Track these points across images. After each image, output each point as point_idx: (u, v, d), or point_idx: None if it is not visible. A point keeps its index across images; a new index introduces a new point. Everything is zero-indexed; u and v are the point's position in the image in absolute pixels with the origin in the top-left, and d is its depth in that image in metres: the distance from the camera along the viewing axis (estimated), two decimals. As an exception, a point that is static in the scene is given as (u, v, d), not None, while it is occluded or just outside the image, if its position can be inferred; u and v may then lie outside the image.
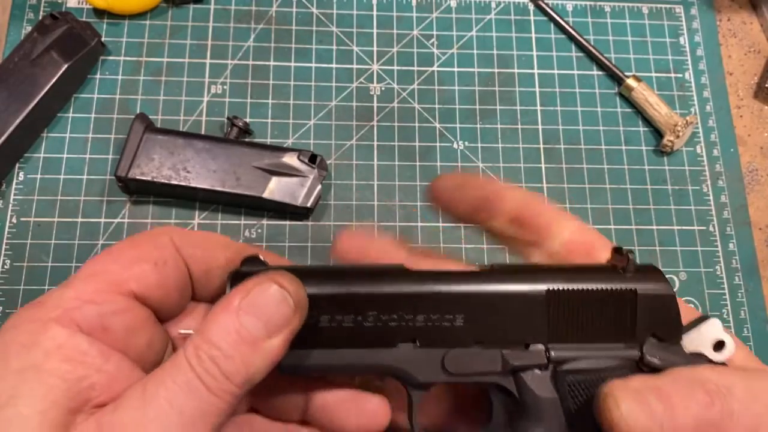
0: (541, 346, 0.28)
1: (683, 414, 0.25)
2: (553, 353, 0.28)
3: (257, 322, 0.24)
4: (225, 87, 0.54)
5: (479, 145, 0.54)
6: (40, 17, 0.53)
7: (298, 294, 0.25)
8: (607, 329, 0.28)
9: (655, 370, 0.28)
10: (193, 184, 0.48)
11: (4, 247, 0.48)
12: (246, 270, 0.27)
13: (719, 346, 0.28)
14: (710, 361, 0.28)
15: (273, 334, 0.24)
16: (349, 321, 0.28)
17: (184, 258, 0.28)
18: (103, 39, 0.53)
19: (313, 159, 0.49)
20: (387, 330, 0.28)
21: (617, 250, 0.29)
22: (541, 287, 0.28)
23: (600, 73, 0.57)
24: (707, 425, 0.25)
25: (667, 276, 0.30)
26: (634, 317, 0.28)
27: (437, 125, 0.54)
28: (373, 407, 0.29)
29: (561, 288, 0.28)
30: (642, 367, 0.28)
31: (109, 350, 0.24)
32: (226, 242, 0.29)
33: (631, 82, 0.55)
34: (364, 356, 0.28)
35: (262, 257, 0.28)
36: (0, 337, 0.23)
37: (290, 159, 0.49)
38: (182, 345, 0.24)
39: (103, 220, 0.50)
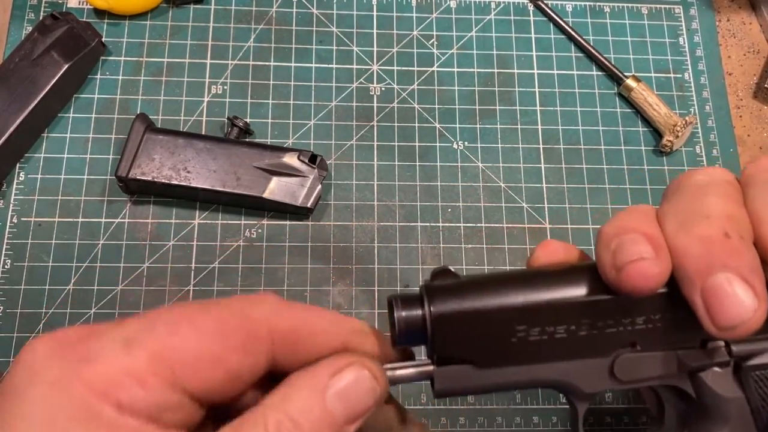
0: (720, 343, 0.26)
1: None
2: (734, 348, 0.26)
3: (343, 409, 0.22)
4: (225, 87, 0.54)
5: (479, 145, 0.54)
6: (41, 17, 0.53)
7: (383, 384, 0.24)
8: None
9: None
10: (193, 184, 0.48)
11: (4, 246, 0.49)
12: (440, 284, 0.25)
13: None
14: None
15: (352, 423, 0.23)
16: (561, 332, 0.25)
17: (275, 355, 0.24)
18: (103, 39, 0.53)
19: (313, 159, 0.49)
20: (602, 337, 0.25)
21: None
22: None
23: (599, 73, 0.57)
24: None
25: None
26: None
27: (437, 125, 0.54)
28: None
29: None
30: None
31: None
32: (335, 329, 0.25)
33: (630, 82, 0.55)
34: (527, 372, 0.26)
35: (452, 269, 0.26)
36: (35, 394, 0.19)
37: (290, 159, 0.49)
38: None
39: (103, 220, 0.50)
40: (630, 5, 0.59)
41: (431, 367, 0.25)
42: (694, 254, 0.23)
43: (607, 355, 0.26)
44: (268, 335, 0.23)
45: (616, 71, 0.56)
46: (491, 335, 0.25)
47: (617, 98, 0.56)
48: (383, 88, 0.55)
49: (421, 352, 0.26)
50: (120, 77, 0.53)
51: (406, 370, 0.25)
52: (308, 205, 0.49)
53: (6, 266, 0.48)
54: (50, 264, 0.48)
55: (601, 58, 0.56)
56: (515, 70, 0.56)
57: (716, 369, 0.26)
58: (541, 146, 0.54)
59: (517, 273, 0.26)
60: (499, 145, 0.54)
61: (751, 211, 0.24)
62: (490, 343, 0.25)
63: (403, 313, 0.25)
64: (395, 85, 0.55)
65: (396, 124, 0.54)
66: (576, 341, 0.25)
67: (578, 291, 0.25)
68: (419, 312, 0.25)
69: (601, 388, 0.26)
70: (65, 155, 0.51)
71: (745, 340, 0.25)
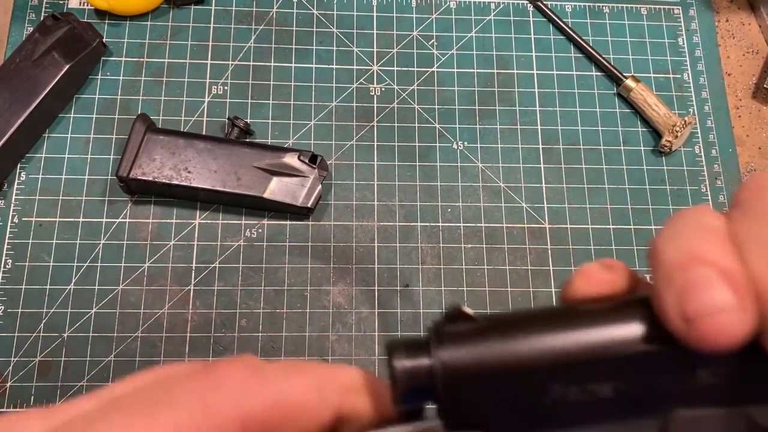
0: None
1: None
2: None
3: None
4: (226, 87, 0.54)
5: (479, 145, 0.54)
6: (42, 18, 0.53)
7: None
8: None
9: None
10: (194, 184, 0.48)
11: (5, 246, 0.49)
12: (453, 330, 0.19)
13: None
14: None
15: None
16: (608, 391, 0.19)
17: None
18: (104, 40, 0.53)
19: (313, 159, 0.49)
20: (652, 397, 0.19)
21: None
22: None
23: (599, 73, 0.57)
24: None
25: None
26: None
27: (437, 125, 0.54)
28: None
29: None
30: None
31: None
32: (321, 397, 0.19)
33: (629, 82, 0.55)
34: None
35: (469, 311, 0.20)
36: None
37: (291, 159, 0.49)
38: None
39: (104, 220, 0.50)
40: (629, 6, 0.59)
41: None
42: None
43: (657, 417, 0.20)
44: (239, 424, 0.18)
45: (616, 72, 0.56)
46: (519, 394, 0.19)
47: (616, 98, 0.56)
48: (383, 89, 0.55)
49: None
50: (121, 77, 0.54)
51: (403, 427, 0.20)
52: (308, 205, 0.49)
53: (7, 266, 0.48)
54: (51, 264, 0.48)
55: (601, 59, 0.56)
56: (515, 71, 0.57)
57: None
58: (540, 146, 0.54)
59: (551, 313, 0.21)
60: (499, 146, 0.54)
61: (741, 249, 0.18)
62: (517, 405, 0.19)
63: (407, 364, 0.19)
64: (395, 86, 0.55)
65: (396, 125, 0.54)
66: (624, 401, 0.19)
67: (631, 338, 0.19)
68: (426, 362, 0.19)
69: None
70: (66, 155, 0.51)
71: None
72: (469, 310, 0.20)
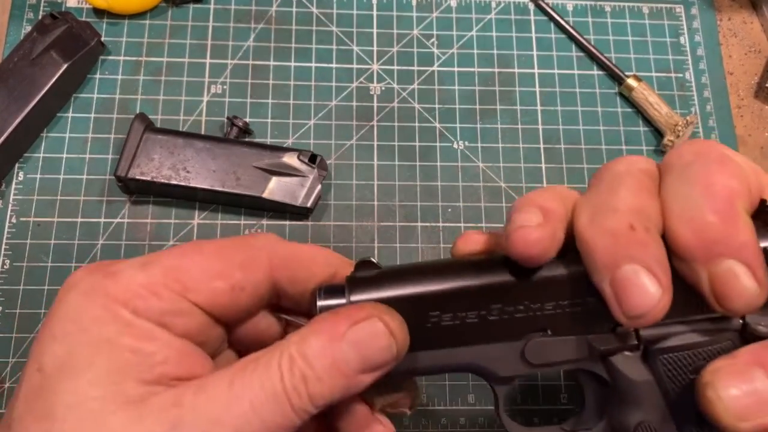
0: (630, 328, 0.26)
1: None
2: (642, 333, 0.26)
3: (356, 357, 0.24)
4: (225, 87, 0.54)
5: (479, 145, 0.54)
6: (40, 17, 0.53)
7: (402, 341, 0.25)
8: (700, 301, 0.24)
9: (761, 338, 0.25)
10: (192, 184, 0.48)
11: (3, 246, 0.48)
12: (361, 275, 0.27)
13: None
14: None
15: (366, 373, 0.24)
16: (473, 317, 0.26)
17: (276, 279, 0.28)
18: (102, 39, 0.53)
19: (313, 159, 0.49)
20: (515, 322, 0.26)
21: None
22: None
23: (600, 72, 0.57)
24: None
25: None
26: None
27: (437, 125, 0.54)
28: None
29: None
30: (746, 336, 0.25)
31: (174, 337, 0.25)
32: (327, 260, 0.29)
33: (631, 81, 0.55)
34: (443, 356, 0.27)
35: (374, 260, 0.27)
36: (70, 299, 0.24)
37: (290, 159, 0.49)
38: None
39: (102, 220, 0.50)
40: (631, 4, 0.59)
41: None
42: (601, 247, 0.24)
43: (519, 340, 0.27)
44: (268, 258, 0.27)
45: (617, 71, 0.56)
46: (407, 321, 0.26)
47: (618, 98, 0.56)
48: (383, 88, 0.55)
49: None
50: (119, 77, 0.53)
51: None
52: (308, 205, 0.48)
53: (5, 266, 0.48)
54: (49, 264, 0.48)
55: (602, 58, 0.56)
56: (516, 70, 0.56)
57: (626, 353, 0.26)
58: (541, 146, 0.54)
59: (433, 263, 0.28)
60: (500, 145, 0.54)
61: (662, 200, 0.25)
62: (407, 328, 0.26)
63: (325, 303, 0.26)
64: (395, 85, 0.55)
65: (396, 124, 0.54)
66: (487, 326, 0.26)
67: (486, 277, 0.26)
68: (342, 301, 0.26)
69: (515, 372, 0.27)
70: (64, 155, 0.51)
71: (654, 325, 0.25)
72: (374, 260, 0.27)
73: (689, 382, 0.25)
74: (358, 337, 0.24)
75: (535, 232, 0.24)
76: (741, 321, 0.26)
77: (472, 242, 0.29)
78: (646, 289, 0.23)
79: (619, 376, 0.27)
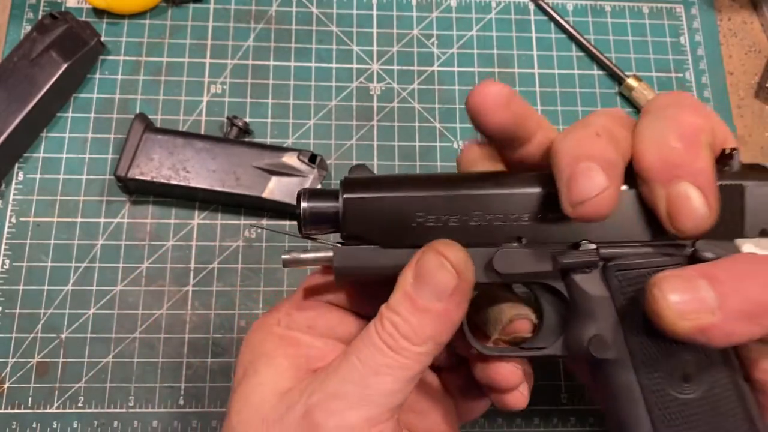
0: (592, 245, 0.28)
1: (738, 298, 0.24)
2: (603, 250, 0.28)
3: (425, 290, 0.27)
4: (224, 87, 0.54)
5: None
6: (40, 17, 0.53)
7: (458, 262, 0.27)
8: (659, 227, 0.27)
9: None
10: (192, 184, 0.48)
11: (3, 246, 0.48)
12: (354, 177, 0.30)
13: None
14: None
15: (442, 299, 0.27)
16: (455, 221, 0.29)
17: None
18: (102, 38, 0.53)
19: (313, 159, 0.49)
20: (489, 229, 0.29)
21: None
22: None
23: (600, 72, 0.57)
24: (766, 308, 0.24)
25: None
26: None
27: (437, 125, 0.54)
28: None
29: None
30: (695, 262, 0.27)
31: (318, 336, 0.32)
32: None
33: (631, 81, 0.54)
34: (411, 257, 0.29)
35: (367, 165, 0.31)
36: (251, 336, 0.33)
37: (290, 159, 0.49)
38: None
39: (102, 220, 0.50)
40: (631, 4, 0.59)
41: (332, 253, 0.30)
42: (565, 149, 0.27)
43: (494, 247, 0.29)
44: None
45: (617, 70, 0.55)
46: (393, 219, 0.29)
47: (618, 98, 0.56)
48: (383, 88, 0.55)
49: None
50: (119, 77, 0.53)
51: (307, 254, 0.30)
52: (308, 205, 0.48)
53: (5, 266, 0.48)
54: (49, 264, 0.48)
55: (602, 58, 0.56)
56: (516, 70, 0.56)
57: (586, 270, 0.28)
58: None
59: (423, 174, 0.31)
60: (500, 145, 0.54)
61: (635, 134, 0.28)
62: (392, 226, 0.29)
63: (308, 205, 0.29)
64: (395, 85, 0.55)
65: (396, 124, 0.54)
66: (467, 230, 0.29)
67: (469, 187, 0.29)
68: (331, 204, 0.29)
69: (482, 280, 0.29)
70: (64, 155, 0.51)
71: (612, 244, 0.28)
72: (366, 165, 0.30)
73: (639, 296, 0.27)
74: (419, 273, 0.27)
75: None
76: (692, 249, 0.28)
77: (474, 152, 0.33)
78: (593, 180, 0.25)
79: (577, 292, 0.28)
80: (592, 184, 0.25)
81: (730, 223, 0.28)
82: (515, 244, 0.29)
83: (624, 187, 0.27)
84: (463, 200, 0.29)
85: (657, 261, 0.28)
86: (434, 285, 0.27)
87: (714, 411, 0.27)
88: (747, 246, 0.28)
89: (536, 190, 0.28)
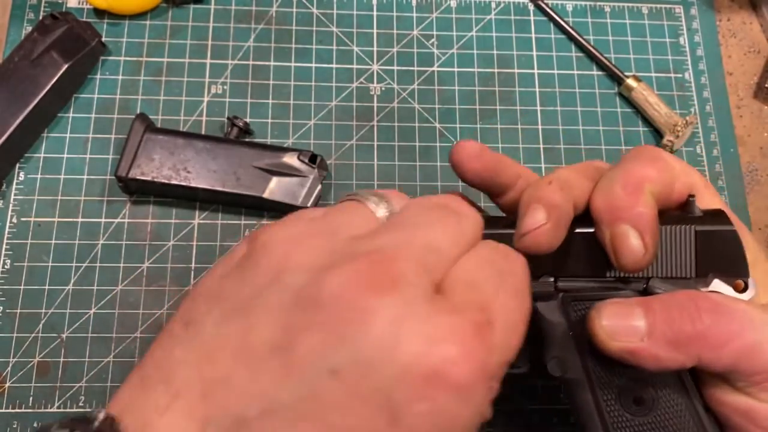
0: (550, 278, 0.32)
1: (665, 327, 0.28)
2: (560, 283, 0.31)
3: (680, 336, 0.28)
4: (225, 87, 0.54)
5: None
6: (41, 17, 0.53)
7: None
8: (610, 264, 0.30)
9: None
10: (193, 184, 0.48)
11: (4, 247, 0.48)
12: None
13: (741, 289, 0.30)
14: None
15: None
16: None
17: None
18: (103, 39, 0.53)
19: (313, 159, 0.49)
20: None
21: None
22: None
23: (600, 73, 0.57)
24: (690, 339, 0.27)
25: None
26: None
27: (437, 125, 0.54)
28: None
29: (579, 230, 0.31)
30: (646, 296, 0.30)
31: None
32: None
33: (630, 82, 0.55)
34: None
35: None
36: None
37: (290, 159, 0.49)
38: None
39: (103, 220, 0.50)
40: (630, 5, 0.59)
41: None
42: (524, 195, 0.30)
43: None
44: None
45: (617, 71, 0.56)
46: None
47: (617, 98, 0.56)
48: (383, 88, 0.55)
49: None
50: (120, 77, 0.53)
51: None
52: (308, 206, 0.48)
53: (6, 266, 0.48)
54: (50, 264, 0.48)
55: (602, 58, 0.56)
56: (515, 70, 0.56)
57: (547, 301, 0.32)
58: (541, 146, 0.54)
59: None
60: (500, 145, 0.54)
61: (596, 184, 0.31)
62: None
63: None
64: (395, 85, 0.55)
65: (396, 124, 0.54)
66: None
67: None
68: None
69: None
70: (65, 155, 0.51)
71: (570, 278, 0.31)
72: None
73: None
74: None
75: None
76: (644, 285, 0.31)
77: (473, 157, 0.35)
78: (534, 217, 0.29)
79: (541, 319, 0.32)
80: (533, 219, 0.29)
81: (684, 264, 0.31)
82: None
83: (590, 230, 0.31)
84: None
85: (609, 294, 0.31)
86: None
87: None
88: (716, 285, 0.30)
89: (504, 231, 0.31)
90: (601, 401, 0.30)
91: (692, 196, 0.31)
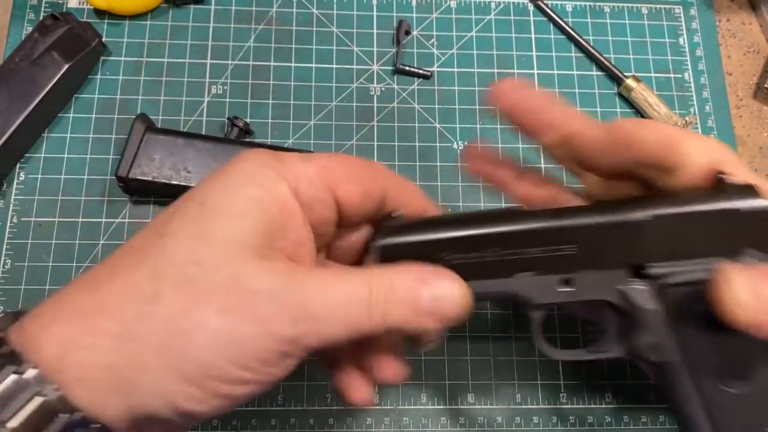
0: (655, 269, 0.32)
1: None
2: (653, 271, 0.32)
3: (430, 303, 0.29)
4: (225, 87, 0.54)
5: (479, 145, 0.54)
6: (41, 18, 0.53)
7: (468, 305, 0.30)
8: (707, 245, 0.31)
9: None
10: (193, 184, 0.48)
11: (5, 247, 0.49)
12: (390, 224, 0.33)
13: None
14: None
15: (431, 318, 0.29)
16: (475, 257, 0.32)
17: (385, 198, 0.33)
18: (103, 39, 0.53)
19: (313, 159, 0.49)
20: (506, 262, 0.32)
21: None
22: (646, 213, 0.31)
23: (599, 73, 0.57)
24: None
25: None
26: (733, 233, 0.31)
27: (437, 125, 0.54)
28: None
29: (663, 213, 0.31)
30: None
31: (307, 222, 0.30)
32: (421, 197, 0.36)
33: (630, 82, 0.55)
34: (490, 285, 0.32)
35: (395, 214, 0.33)
36: (245, 165, 0.29)
37: (290, 159, 0.49)
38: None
39: (103, 220, 0.50)
40: (630, 5, 0.59)
41: None
42: None
43: (507, 277, 0.33)
44: (384, 178, 0.33)
45: (616, 71, 0.56)
46: (424, 260, 0.31)
47: (617, 98, 0.56)
48: (383, 88, 0.55)
49: None
50: (120, 77, 0.53)
51: None
52: (308, 205, 0.48)
53: (6, 266, 0.48)
54: (50, 264, 0.48)
55: (601, 58, 0.56)
56: (515, 70, 0.56)
57: (640, 287, 0.32)
58: (541, 146, 0.54)
59: (451, 216, 0.36)
60: (500, 146, 0.54)
61: None
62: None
63: (379, 242, 0.33)
64: (395, 85, 0.55)
65: (396, 124, 0.54)
66: (484, 267, 0.32)
67: (488, 230, 0.33)
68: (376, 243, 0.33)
69: (552, 300, 0.33)
70: (65, 155, 0.51)
71: (664, 263, 0.32)
72: (394, 215, 0.33)
73: (688, 308, 0.31)
74: (439, 291, 0.29)
75: None
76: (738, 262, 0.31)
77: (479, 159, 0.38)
78: None
79: (635, 307, 0.32)
80: None
81: (720, 244, 0.31)
82: (529, 274, 0.33)
83: (672, 210, 0.31)
84: (481, 240, 0.32)
85: (705, 278, 0.30)
86: (440, 311, 0.29)
87: None
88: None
89: (597, 219, 0.32)
90: (700, 381, 0.32)
91: (722, 173, 0.31)
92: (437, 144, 0.54)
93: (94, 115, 0.52)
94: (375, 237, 0.33)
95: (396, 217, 0.33)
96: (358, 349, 0.33)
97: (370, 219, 0.34)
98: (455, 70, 0.56)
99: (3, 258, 0.48)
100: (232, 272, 0.27)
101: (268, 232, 0.28)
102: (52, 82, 0.49)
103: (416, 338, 0.34)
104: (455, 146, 0.54)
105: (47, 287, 0.48)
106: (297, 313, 0.27)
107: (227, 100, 0.53)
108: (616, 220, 0.32)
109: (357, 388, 0.33)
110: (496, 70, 0.56)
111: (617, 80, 0.56)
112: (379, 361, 0.33)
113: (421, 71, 0.55)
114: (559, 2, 0.59)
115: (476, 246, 0.32)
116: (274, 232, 0.28)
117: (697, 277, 0.31)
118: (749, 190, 0.31)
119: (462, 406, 0.47)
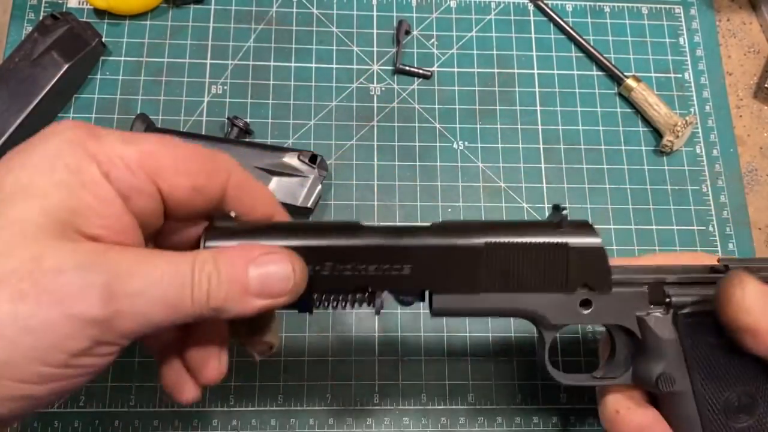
0: (663, 296, 0.33)
1: None
2: (674, 299, 0.33)
3: (258, 281, 0.27)
4: (225, 87, 0.54)
5: (479, 145, 0.54)
6: (41, 17, 0.53)
7: (300, 287, 0.29)
8: (539, 277, 0.32)
9: None
10: (193, 184, 0.48)
11: (4, 247, 0.48)
12: (220, 225, 0.31)
13: None
14: None
15: (261, 298, 0.27)
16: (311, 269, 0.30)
17: (229, 193, 0.31)
18: (103, 39, 0.53)
19: (313, 159, 0.49)
20: (344, 277, 0.31)
21: (555, 207, 0.32)
22: (479, 240, 0.31)
23: (600, 73, 0.57)
24: None
25: None
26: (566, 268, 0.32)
27: (437, 125, 0.54)
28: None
29: (496, 241, 0.31)
30: None
31: (127, 210, 0.27)
32: (272, 201, 0.34)
33: (630, 82, 0.55)
34: (509, 300, 0.32)
35: (233, 214, 0.31)
36: (52, 141, 0.26)
37: (290, 159, 0.49)
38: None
39: (103, 220, 0.50)
40: (630, 5, 0.59)
41: None
42: None
43: (369, 293, 0.32)
44: (227, 176, 0.30)
45: (617, 71, 0.56)
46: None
47: (617, 98, 0.56)
48: (383, 88, 0.55)
49: None
50: (120, 77, 0.53)
51: None
52: (308, 205, 0.49)
53: (6, 266, 0.48)
54: (50, 264, 0.48)
55: (602, 58, 0.56)
56: (515, 70, 0.56)
57: (658, 315, 0.33)
58: (541, 146, 0.54)
59: (285, 223, 0.33)
60: (500, 145, 0.54)
61: None
62: None
63: (212, 244, 0.30)
64: (395, 85, 0.55)
65: (396, 124, 0.54)
66: (341, 283, 0.32)
67: (344, 242, 0.31)
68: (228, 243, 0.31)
69: (567, 322, 0.33)
70: (65, 155, 0.51)
71: (682, 292, 0.33)
72: (233, 214, 0.31)
73: (702, 340, 0.32)
74: (267, 268, 0.27)
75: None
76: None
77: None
78: None
79: (650, 334, 0.33)
80: None
81: (554, 278, 0.32)
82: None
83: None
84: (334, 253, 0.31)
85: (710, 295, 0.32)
86: (267, 287, 0.27)
87: None
88: None
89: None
90: (705, 412, 0.32)
91: (560, 207, 0.32)
92: (437, 144, 0.54)
93: (94, 115, 0.52)
94: (203, 238, 0.30)
95: (234, 218, 0.31)
96: (185, 344, 0.31)
97: (207, 215, 0.31)
98: (455, 70, 0.56)
99: (3, 258, 0.48)
100: (31, 254, 0.24)
101: (74, 216, 0.25)
102: (52, 82, 0.49)
103: (248, 341, 0.33)
104: (455, 146, 0.54)
105: (47, 287, 0.48)
106: (108, 291, 0.24)
107: (227, 100, 0.53)
108: (450, 244, 0.31)
109: (182, 387, 0.30)
110: (496, 70, 0.56)
111: (617, 80, 0.56)
112: (202, 356, 0.30)
113: (421, 71, 0.55)
114: (559, 2, 0.59)
115: (311, 258, 0.30)
116: (83, 218, 0.25)
117: (707, 308, 0.32)
118: (586, 228, 0.32)
119: (462, 407, 0.47)
